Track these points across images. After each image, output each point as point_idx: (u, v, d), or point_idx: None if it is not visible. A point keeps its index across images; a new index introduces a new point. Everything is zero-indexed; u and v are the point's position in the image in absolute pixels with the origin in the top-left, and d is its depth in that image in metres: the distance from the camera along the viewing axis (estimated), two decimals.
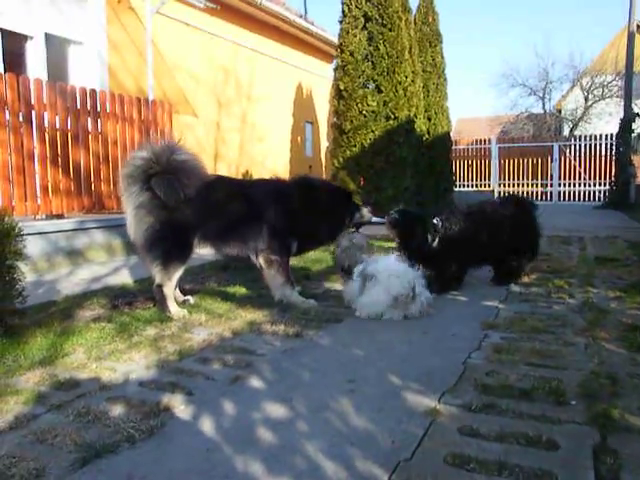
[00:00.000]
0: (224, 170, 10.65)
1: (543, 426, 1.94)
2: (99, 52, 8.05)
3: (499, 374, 2.45)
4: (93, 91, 6.34)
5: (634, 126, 14.52)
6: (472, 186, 19.42)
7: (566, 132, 28.72)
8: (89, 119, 6.27)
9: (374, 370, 2.56)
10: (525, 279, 4.61)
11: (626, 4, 14.76)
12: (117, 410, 2.18)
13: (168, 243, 3.73)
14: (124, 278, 5.05)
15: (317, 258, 5.88)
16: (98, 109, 6.36)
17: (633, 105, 15.12)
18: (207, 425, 2.05)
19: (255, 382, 2.48)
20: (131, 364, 2.76)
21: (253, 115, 11.75)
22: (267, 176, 12.25)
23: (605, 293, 4.08)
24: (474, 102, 59.81)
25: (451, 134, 14.22)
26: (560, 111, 31.18)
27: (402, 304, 3.46)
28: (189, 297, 4.14)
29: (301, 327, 3.32)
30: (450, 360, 2.66)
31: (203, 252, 6.84)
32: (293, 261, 4.26)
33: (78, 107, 6.13)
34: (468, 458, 1.73)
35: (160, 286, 3.76)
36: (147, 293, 4.44)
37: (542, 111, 31.68)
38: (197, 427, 2.04)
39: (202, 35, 10.21)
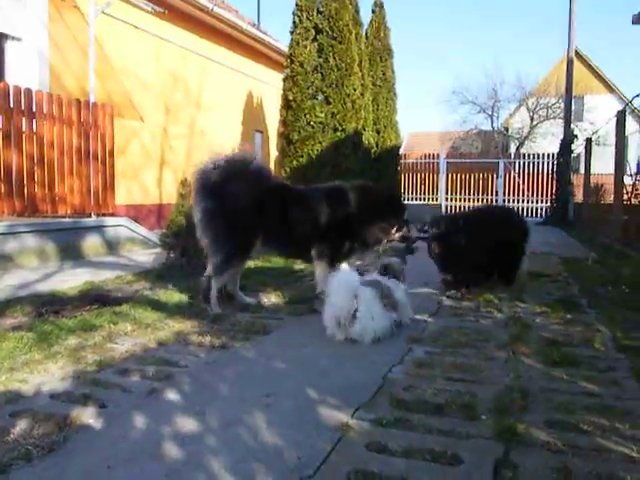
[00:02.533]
0: (170, 177, 10.49)
1: (450, 441, 1.96)
2: (39, 50, 7.80)
3: (416, 389, 2.47)
4: (28, 90, 6.13)
5: (573, 147, 15.12)
6: (421, 199, 19.77)
7: (513, 150, 29.67)
8: (24, 119, 6.07)
9: (293, 384, 2.54)
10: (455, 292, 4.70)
11: (566, 31, 15.42)
12: (20, 425, 2.08)
13: (230, 243, 4.01)
14: (55, 285, 4.89)
15: (252, 270, 5.85)
16: (34, 109, 6.16)
17: (573, 127, 15.75)
18: (113, 440, 1.98)
19: (171, 395, 2.42)
20: (45, 375, 2.65)
21: (202, 122, 11.62)
22: None
23: (532, 308, 4.20)
24: (426, 118, 61.13)
25: (402, 148, 14.44)
26: (507, 129, 32.21)
27: (343, 326, 3.21)
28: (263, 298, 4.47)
29: (228, 338, 3.28)
30: (371, 374, 2.67)
31: (142, 259, 6.72)
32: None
33: (11, 106, 5.91)
34: (371, 474, 1.73)
35: (210, 278, 4.03)
36: (77, 301, 4.31)
37: (490, 129, 32.62)
38: (102, 442, 1.97)
39: (151, 39, 10.06)
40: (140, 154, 9.96)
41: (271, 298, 4.51)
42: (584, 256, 7.37)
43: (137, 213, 9.64)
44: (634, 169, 10.47)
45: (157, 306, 4.09)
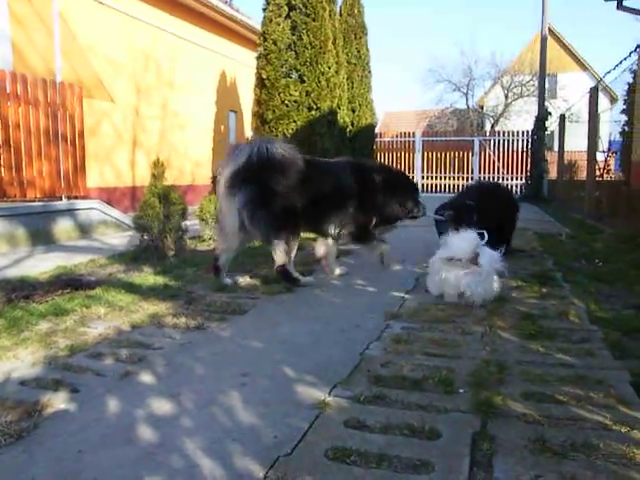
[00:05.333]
0: (143, 159, 10.30)
1: (429, 416, 1.95)
2: (0, 27, 7.51)
3: (394, 365, 2.46)
4: None
5: (547, 124, 15.22)
6: None
7: (488, 127, 29.81)
8: None
9: (270, 363, 2.51)
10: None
11: (540, 10, 15.45)
12: None
13: (290, 226, 4.07)
14: (25, 270, 4.78)
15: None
16: None
17: (547, 104, 15.85)
18: (85, 425, 1.94)
19: (146, 377, 2.37)
20: (15, 362, 2.58)
21: (175, 102, 11.40)
22: (189, 166, 11.88)
23: (508, 283, 4.20)
24: (402, 96, 61.01)
25: (377, 127, 14.35)
26: (482, 107, 32.34)
27: (464, 263, 3.44)
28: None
29: (204, 319, 3.23)
30: (348, 351, 2.65)
31: (115, 242, 6.61)
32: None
33: None
34: (350, 451, 1.71)
35: (284, 266, 4.05)
36: (49, 285, 4.22)
37: (466, 107, 32.71)
38: (74, 427, 1.92)
39: (120, 17, 9.78)
40: (112, 135, 9.74)
41: (247, 278, 4.46)
42: (558, 231, 7.45)
43: (110, 196, 9.46)
44: (606, 146, 10.58)
45: (131, 289, 4.02)
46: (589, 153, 8.87)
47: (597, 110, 8.85)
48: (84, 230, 7.13)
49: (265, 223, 3.96)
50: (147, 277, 4.41)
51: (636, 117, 9.40)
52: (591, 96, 8.82)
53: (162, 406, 2.08)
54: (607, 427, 1.84)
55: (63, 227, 6.82)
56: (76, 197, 7.35)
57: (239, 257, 5.27)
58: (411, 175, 19.56)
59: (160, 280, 4.31)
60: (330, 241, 4.56)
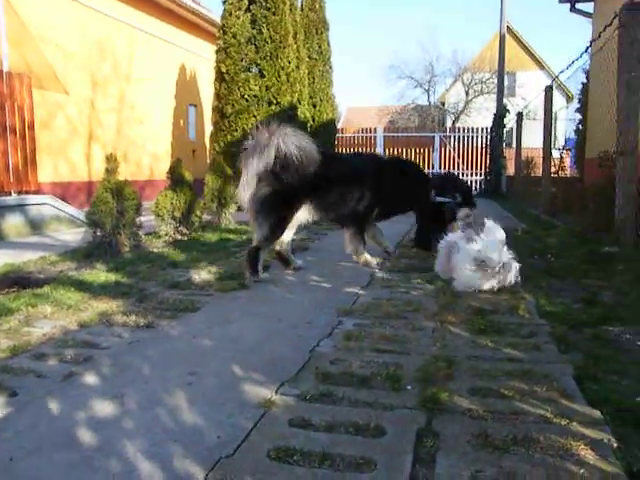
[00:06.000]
0: (99, 153, 10.06)
1: (375, 413, 1.95)
2: None
3: (343, 362, 2.45)
4: None
5: (505, 121, 15.50)
6: None
7: (449, 124, 30.21)
8: None
9: (218, 361, 2.47)
10: (388, 264, 4.74)
11: (498, 8, 15.70)
12: None
13: (277, 211, 4.17)
14: None
15: (185, 246, 5.72)
16: None
17: (506, 101, 16.13)
18: (21, 430, 1.86)
19: (90, 378, 2.30)
20: None
21: (132, 96, 11.17)
22: (147, 160, 11.65)
23: None
24: (365, 92, 61.27)
25: (340, 122, 14.35)
26: (444, 104, 32.75)
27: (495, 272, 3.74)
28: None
29: (154, 317, 3.17)
30: (298, 349, 2.63)
31: (68, 239, 6.43)
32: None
33: None
34: (293, 450, 1.69)
35: (258, 249, 4.14)
36: None
37: (427, 103, 33.08)
38: (7, 434, 1.84)
39: (73, 5, 9.51)
40: (66, 128, 9.48)
41: (201, 274, 4.39)
42: (515, 227, 7.58)
43: (65, 191, 9.22)
44: (562, 143, 10.83)
45: (81, 287, 3.91)
46: (545, 150, 9.05)
47: (552, 108, 9.03)
48: (35, 226, 6.92)
49: (262, 201, 4.09)
50: (99, 274, 4.30)
51: (589, 116, 9.65)
52: (546, 94, 9.00)
53: (104, 408, 2.02)
54: (548, 420, 1.87)
55: (12, 223, 6.60)
56: (27, 192, 7.12)
57: (193, 253, 5.21)
58: None
59: (112, 277, 4.21)
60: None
